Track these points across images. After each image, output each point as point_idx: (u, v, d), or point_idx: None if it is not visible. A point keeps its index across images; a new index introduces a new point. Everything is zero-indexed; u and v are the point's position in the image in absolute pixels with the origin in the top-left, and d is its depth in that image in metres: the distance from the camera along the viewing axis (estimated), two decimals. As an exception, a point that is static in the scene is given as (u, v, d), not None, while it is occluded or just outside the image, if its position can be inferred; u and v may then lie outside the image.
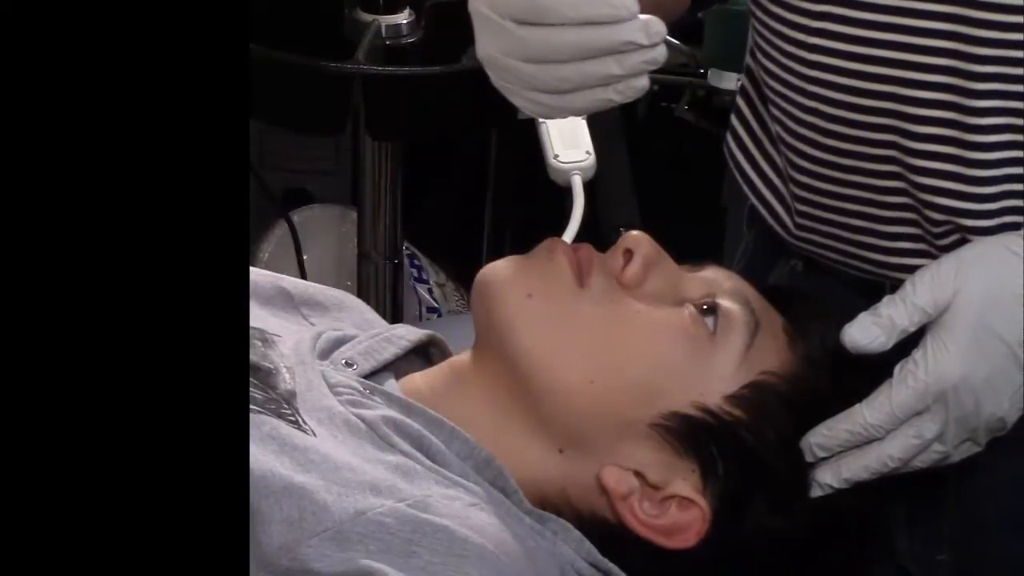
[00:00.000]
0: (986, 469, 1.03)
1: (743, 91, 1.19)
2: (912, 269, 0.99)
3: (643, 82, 0.94)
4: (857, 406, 0.97)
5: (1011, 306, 0.95)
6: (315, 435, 0.94)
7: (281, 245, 2.06)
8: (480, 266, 1.03)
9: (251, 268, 1.11)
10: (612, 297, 1.00)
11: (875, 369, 0.97)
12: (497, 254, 1.06)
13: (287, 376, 0.99)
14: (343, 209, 2.15)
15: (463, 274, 2.12)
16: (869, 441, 0.97)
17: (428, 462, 0.95)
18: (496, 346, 1.00)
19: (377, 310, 1.21)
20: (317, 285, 1.18)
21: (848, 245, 1.11)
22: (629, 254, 1.01)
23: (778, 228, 1.16)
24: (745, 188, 1.19)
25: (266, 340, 1.03)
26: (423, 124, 1.70)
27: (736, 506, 0.98)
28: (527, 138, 1.51)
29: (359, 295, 1.58)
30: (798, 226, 1.14)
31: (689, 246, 1.06)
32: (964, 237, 1.04)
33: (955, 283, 0.96)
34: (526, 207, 2.14)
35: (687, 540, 0.97)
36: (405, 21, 1.75)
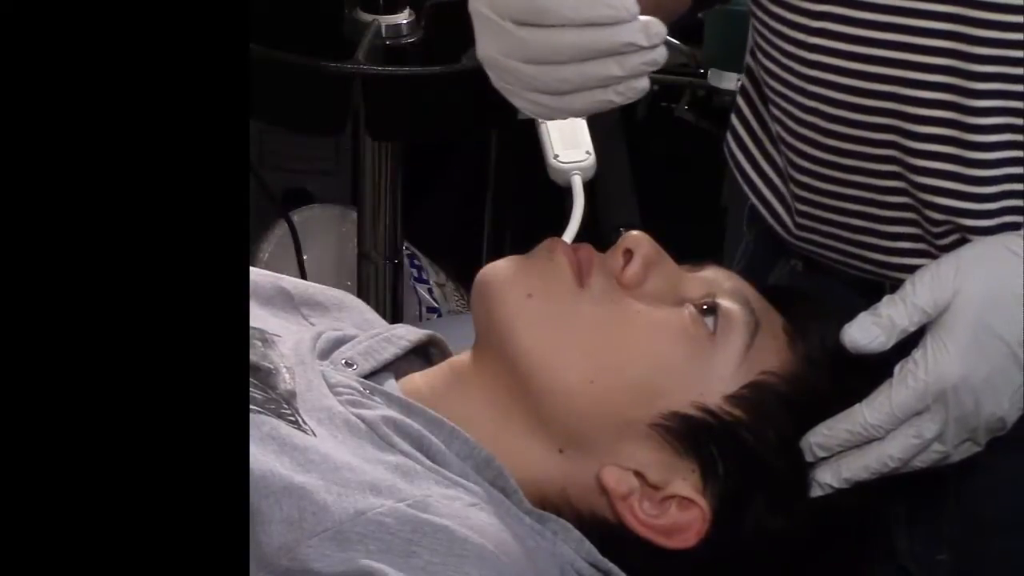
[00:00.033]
0: (986, 469, 1.03)
1: (743, 91, 1.19)
2: (912, 269, 0.99)
3: (643, 83, 0.94)
4: (857, 406, 0.97)
5: (1011, 306, 0.95)
6: (315, 435, 0.94)
7: (281, 245, 2.06)
8: (480, 266, 1.03)
9: (251, 268, 1.11)
10: (612, 297, 1.00)
11: (875, 369, 0.97)
12: (497, 254, 1.06)
13: (287, 376, 1.00)
14: (343, 209, 2.15)
15: (463, 274, 2.12)
16: (869, 441, 0.97)
17: (428, 462, 0.95)
18: (496, 346, 1.00)
19: (377, 310, 1.21)
20: (317, 285, 1.18)
21: (848, 245, 1.11)
22: (629, 254, 1.01)
23: (778, 228, 1.16)
24: (745, 188, 1.19)
25: (266, 340, 1.03)
26: (423, 124, 1.70)
27: (736, 506, 0.98)
28: (527, 138, 1.51)
29: (359, 295, 1.58)
30: (798, 226, 1.14)
31: (689, 246, 1.06)
32: (964, 237, 1.04)
33: (955, 283, 0.96)
34: (526, 207, 2.14)
35: (687, 540, 0.97)
36: (405, 21, 1.75)
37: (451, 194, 2.42)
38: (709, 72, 2.11)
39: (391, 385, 1.02)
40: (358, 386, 1.00)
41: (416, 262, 2.13)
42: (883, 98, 1.03)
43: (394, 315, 1.84)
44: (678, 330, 0.99)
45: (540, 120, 1.44)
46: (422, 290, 2.12)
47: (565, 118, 0.99)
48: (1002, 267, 0.97)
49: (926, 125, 1.03)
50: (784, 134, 1.11)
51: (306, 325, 1.11)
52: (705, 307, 1.00)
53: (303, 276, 1.89)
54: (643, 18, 0.92)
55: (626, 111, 2.12)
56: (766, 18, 1.09)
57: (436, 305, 2.12)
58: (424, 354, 1.11)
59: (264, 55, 1.57)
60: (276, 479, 0.89)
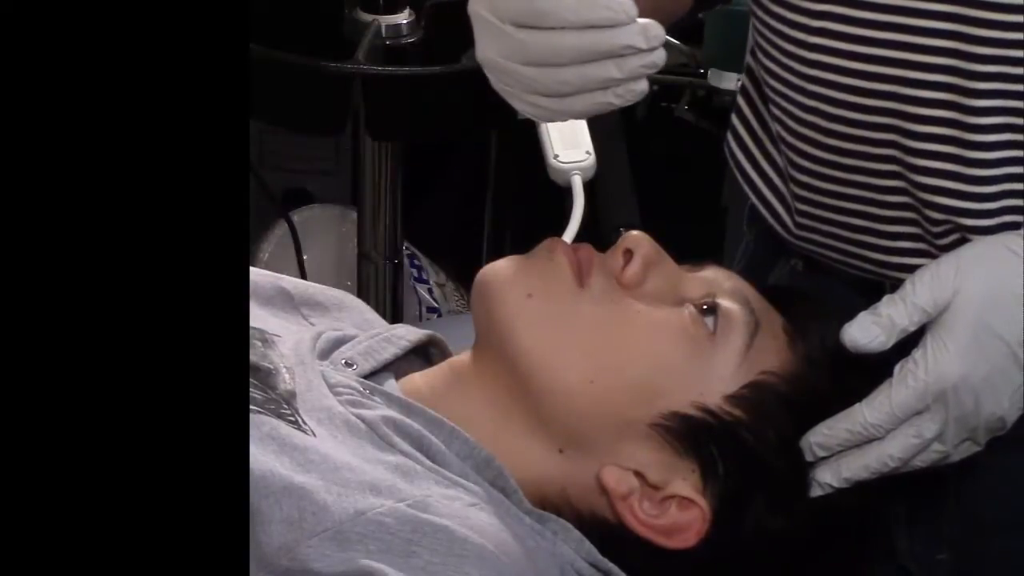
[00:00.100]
0: (986, 469, 1.03)
1: (744, 90, 1.19)
2: (912, 269, 0.99)
3: (642, 86, 0.94)
4: (857, 405, 0.97)
5: (1011, 306, 0.95)
6: (315, 435, 0.94)
7: (281, 245, 2.06)
8: (480, 266, 1.03)
9: (251, 268, 1.11)
10: (612, 297, 1.00)
11: (875, 369, 0.97)
12: (497, 254, 1.06)
13: (287, 376, 1.00)
14: (343, 209, 2.15)
15: (463, 274, 2.12)
16: (869, 441, 0.97)
17: (428, 462, 0.95)
18: (496, 346, 1.00)
19: (377, 310, 1.21)
20: (317, 285, 1.18)
21: (848, 245, 1.11)
22: (629, 254, 1.01)
23: (778, 227, 1.16)
24: (745, 187, 1.19)
25: (266, 340, 1.03)
26: (423, 124, 1.70)
27: (736, 506, 0.98)
28: (527, 138, 1.51)
29: (359, 295, 1.58)
30: (798, 225, 1.14)
31: (689, 246, 1.06)
32: (964, 237, 1.04)
33: (955, 282, 0.96)
34: (526, 207, 2.14)
35: (687, 540, 0.97)
36: (405, 21, 1.75)
37: (451, 194, 2.42)
38: (709, 72, 2.11)
39: (391, 385, 1.02)
40: (358, 386, 1.00)
41: (416, 262, 2.13)
42: (883, 98, 1.03)
43: (394, 315, 1.84)
44: (678, 330, 0.99)
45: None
46: (422, 290, 2.12)
47: (565, 120, 0.99)
48: (1002, 267, 0.97)
49: (926, 125, 1.03)
50: (784, 134, 1.11)
51: (306, 325, 1.11)
52: (705, 307, 1.00)
53: (303, 276, 1.89)
54: (642, 21, 0.92)
55: (626, 111, 2.11)
56: (767, 18, 1.09)
57: (436, 305, 2.12)
58: (424, 354, 1.11)
59: (264, 55, 1.57)
60: (276, 479, 0.89)
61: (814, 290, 1.12)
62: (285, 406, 0.96)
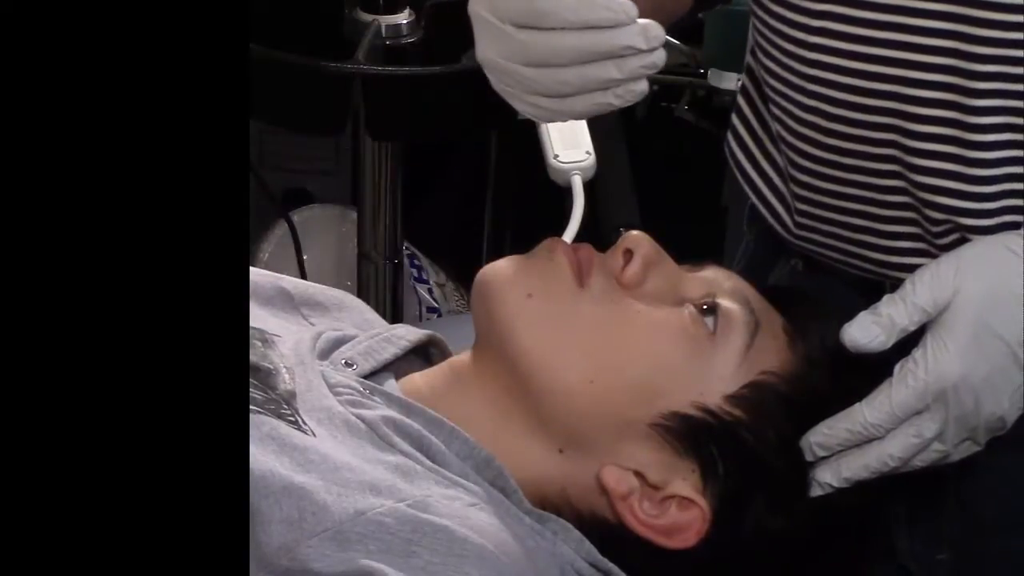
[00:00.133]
0: (986, 468, 1.03)
1: (744, 90, 1.19)
2: (912, 268, 0.99)
3: (642, 86, 0.94)
4: (857, 405, 0.97)
5: (1011, 305, 0.95)
6: (315, 435, 0.94)
7: (281, 245, 2.06)
8: (480, 266, 1.03)
9: (251, 268, 1.11)
10: (612, 297, 1.00)
11: (875, 368, 0.97)
12: (497, 254, 1.06)
13: (287, 376, 1.00)
14: (343, 209, 2.15)
15: (463, 274, 2.12)
16: (869, 440, 0.97)
17: (428, 462, 0.95)
18: (496, 346, 1.00)
19: (377, 310, 1.21)
20: (317, 285, 1.18)
21: (848, 244, 1.11)
22: (629, 254, 1.01)
23: (778, 227, 1.16)
24: (745, 187, 1.19)
25: (266, 340, 1.03)
26: (423, 124, 1.70)
27: (736, 506, 0.98)
28: (527, 138, 1.51)
29: (359, 295, 1.58)
30: (798, 225, 1.14)
31: (689, 246, 1.06)
32: (964, 236, 1.04)
33: (955, 282, 0.96)
34: (526, 207, 2.14)
35: (687, 540, 0.97)
36: (405, 21, 1.75)
37: (451, 194, 2.42)
38: (709, 72, 2.11)
39: (391, 385, 1.02)
40: (358, 386, 1.00)
41: (416, 262, 2.13)
42: (884, 97, 1.04)
43: (394, 315, 1.84)
44: (678, 330, 0.99)
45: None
46: (422, 290, 2.12)
47: (565, 120, 0.99)
48: (1002, 266, 0.97)
49: (926, 124, 1.03)
50: (785, 133, 1.11)
51: (306, 325, 1.11)
52: (705, 307, 1.00)
53: (303, 276, 1.89)
54: (642, 21, 0.92)
55: (626, 111, 2.11)
56: (767, 17, 1.09)
57: (436, 305, 2.12)
58: (424, 354, 1.11)
59: (264, 55, 1.57)
60: (276, 479, 0.89)
61: (814, 290, 1.12)
62: (285, 406, 0.96)
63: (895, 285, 0.99)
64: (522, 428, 0.99)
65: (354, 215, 1.93)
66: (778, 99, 1.11)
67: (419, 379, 1.04)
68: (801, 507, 0.99)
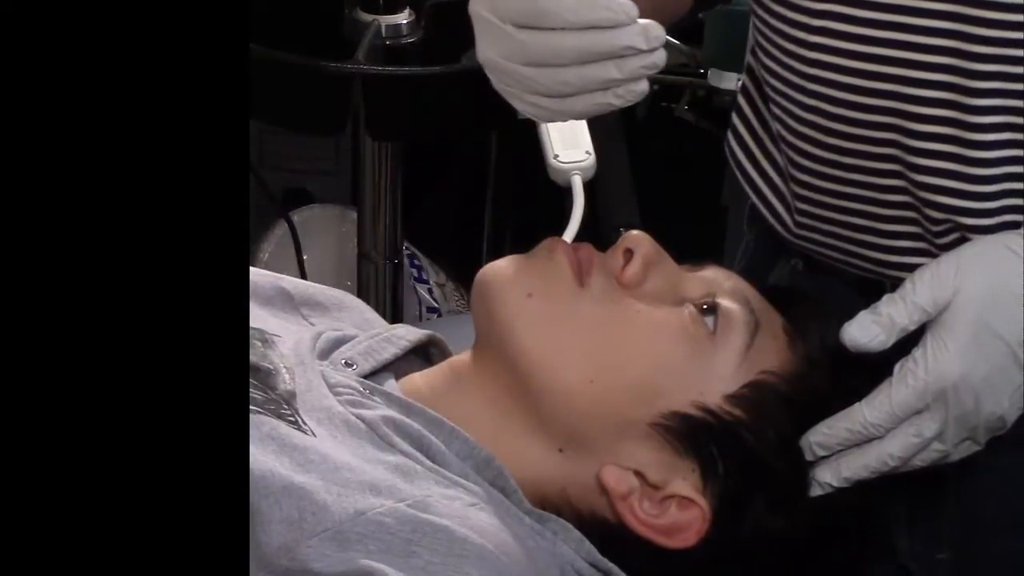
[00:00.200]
0: (986, 468, 1.04)
1: (744, 90, 1.19)
2: (912, 268, 0.99)
3: (643, 86, 0.94)
4: (857, 405, 0.97)
5: (1011, 305, 0.95)
6: (315, 435, 0.94)
7: (281, 245, 2.06)
8: (480, 266, 1.03)
9: (251, 268, 1.11)
10: (612, 297, 1.00)
11: (875, 368, 0.97)
12: (497, 254, 1.06)
13: (287, 376, 1.00)
14: (343, 209, 2.15)
15: (463, 274, 2.12)
16: (869, 440, 0.97)
17: (428, 462, 0.95)
18: (496, 346, 1.00)
19: (377, 310, 1.21)
20: (317, 285, 1.18)
21: (848, 244, 1.11)
22: (629, 254, 1.01)
23: (778, 227, 1.16)
24: (746, 187, 1.19)
25: (266, 340, 1.03)
26: (423, 124, 1.70)
27: (736, 506, 0.98)
28: (527, 138, 1.51)
29: (359, 295, 1.58)
30: (799, 225, 1.14)
31: (689, 246, 1.06)
32: (964, 236, 1.04)
33: (955, 282, 0.96)
34: (526, 207, 2.14)
35: (687, 540, 0.97)
36: (405, 21, 1.75)
37: (451, 194, 2.42)
38: (709, 72, 2.11)
39: (391, 385, 1.02)
40: (358, 386, 1.00)
41: (416, 262, 2.13)
42: (884, 97, 1.04)
43: (394, 315, 1.84)
44: (678, 330, 0.99)
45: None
46: (422, 290, 2.12)
47: (565, 120, 0.99)
48: (1002, 266, 0.97)
49: (927, 124, 1.03)
50: (785, 133, 1.11)
51: (306, 325, 1.11)
52: (705, 307, 1.00)
53: (303, 276, 1.89)
54: (642, 21, 0.92)
55: (626, 111, 2.11)
56: (767, 17, 1.09)
57: (436, 305, 2.12)
58: (424, 354, 1.11)
59: (264, 55, 1.57)
60: (276, 479, 0.89)
61: (814, 290, 1.12)
62: (285, 406, 0.96)
63: (895, 285, 0.99)
64: (522, 428, 0.99)
65: (354, 215, 1.93)
66: (778, 99, 1.11)
67: (419, 379, 1.04)
68: (801, 507, 0.99)
